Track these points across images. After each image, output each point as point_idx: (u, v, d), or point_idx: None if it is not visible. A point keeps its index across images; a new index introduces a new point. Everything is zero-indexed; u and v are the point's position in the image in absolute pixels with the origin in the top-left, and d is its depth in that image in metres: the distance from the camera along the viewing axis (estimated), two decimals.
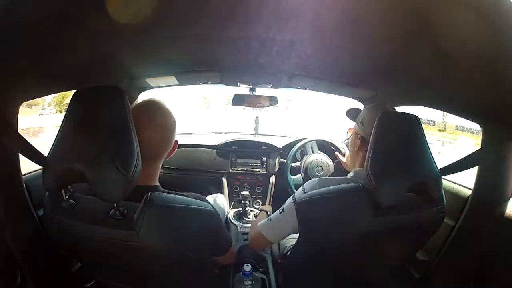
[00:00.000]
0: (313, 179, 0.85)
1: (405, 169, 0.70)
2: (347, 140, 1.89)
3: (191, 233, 0.67)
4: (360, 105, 1.55)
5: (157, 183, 0.77)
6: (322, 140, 1.69)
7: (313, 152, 1.65)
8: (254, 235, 0.98)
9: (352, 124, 1.08)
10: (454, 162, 0.80)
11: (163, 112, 0.75)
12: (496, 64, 0.59)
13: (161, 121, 0.74)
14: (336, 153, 1.50)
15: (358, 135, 0.95)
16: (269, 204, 1.78)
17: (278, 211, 0.91)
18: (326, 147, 1.72)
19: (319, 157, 1.60)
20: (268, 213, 1.28)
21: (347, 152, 1.48)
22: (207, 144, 1.83)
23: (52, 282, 0.83)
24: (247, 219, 1.51)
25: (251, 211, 1.56)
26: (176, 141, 0.80)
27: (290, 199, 0.87)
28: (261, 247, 1.08)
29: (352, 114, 1.09)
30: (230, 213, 1.58)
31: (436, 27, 0.54)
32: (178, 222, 0.64)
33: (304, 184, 0.85)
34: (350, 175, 0.92)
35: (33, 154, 0.65)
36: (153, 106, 0.75)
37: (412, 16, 0.53)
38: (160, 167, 0.79)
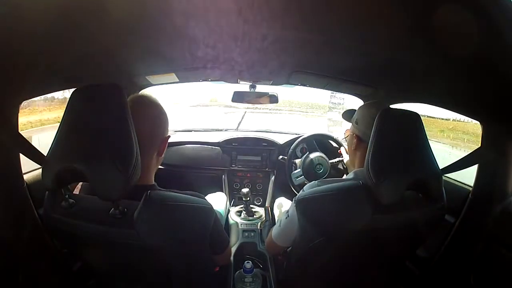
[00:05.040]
0: (313, 182, 0.84)
1: (405, 167, 0.70)
2: (344, 138, 1.90)
3: (191, 231, 0.67)
4: (359, 102, 1.55)
5: (153, 182, 0.77)
6: (322, 134, 1.69)
7: (313, 149, 1.65)
8: (269, 241, 1.02)
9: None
10: (455, 162, 0.80)
11: (148, 104, 0.74)
12: (496, 62, 0.58)
13: (146, 113, 0.72)
14: (341, 150, 1.51)
15: (354, 135, 0.95)
16: (269, 201, 1.78)
17: (284, 216, 0.92)
18: (326, 143, 1.71)
19: (319, 155, 1.60)
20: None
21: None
22: (207, 141, 1.83)
23: (53, 281, 0.84)
24: (248, 216, 1.51)
25: (251, 208, 1.57)
26: (168, 137, 0.78)
27: (292, 203, 0.88)
28: (276, 252, 1.10)
29: (348, 115, 1.08)
30: (231, 210, 1.58)
31: (437, 25, 0.53)
32: (177, 220, 0.64)
33: (305, 187, 0.85)
34: (350, 176, 0.92)
35: (32, 153, 0.65)
36: (141, 99, 0.74)
37: (413, 14, 0.53)
38: (154, 165, 0.77)
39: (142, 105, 0.72)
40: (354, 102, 1.53)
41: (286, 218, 0.90)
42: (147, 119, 0.71)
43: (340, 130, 2.53)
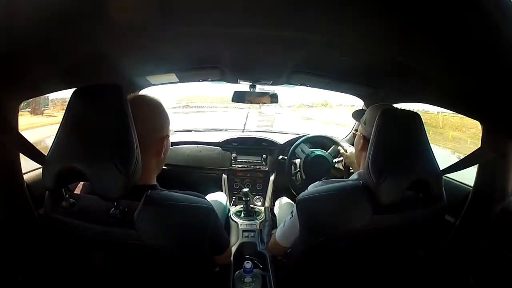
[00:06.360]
0: (317, 182, 0.84)
1: (405, 167, 0.70)
2: (347, 136, 1.90)
3: (191, 231, 0.67)
4: (360, 102, 1.56)
5: (155, 182, 0.76)
6: (321, 136, 1.69)
7: (313, 149, 1.65)
8: (272, 242, 1.03)
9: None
10: (455, 162, 0.80)
11: (142, 103, 0.73)
12: (495, 62, 0.58)
13: (140, 112, 0.69)
14: (341, 151, 1.51)
15: (361, 135, 0.95)
16: (269, 201, 1.78)
17: (288, 216, 0.92)
18: (326, 144, 1.71)
19: (319, 155, 1.60)
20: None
21: (348, 149, 1.49)
22: (207, 141, 1.84)
23: (53, 281, 0.83)
24: (248, 216, 1.51)
25: (251, 208, 1.57)
26: (167, 136, 0.77)
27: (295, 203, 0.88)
28: (279, 253, 1.10)
29: (358, 115, 1.11)
30: (231, 210, 1.58)
31: (436, 24, 0.53)
32: (178, 219, 0.64)
33: (309, 187, 0.85)
34: (354, 176, 0.92)
35: (33, 153, 0.65)
36: (135, 98, 0.73)
37: (413, 14, 0.53)
38: (154, 165, 0.76)
39: (136, 104, 0.70)
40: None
41: (290, 218, 0.91)
42: (141, 118, 0.68)
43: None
